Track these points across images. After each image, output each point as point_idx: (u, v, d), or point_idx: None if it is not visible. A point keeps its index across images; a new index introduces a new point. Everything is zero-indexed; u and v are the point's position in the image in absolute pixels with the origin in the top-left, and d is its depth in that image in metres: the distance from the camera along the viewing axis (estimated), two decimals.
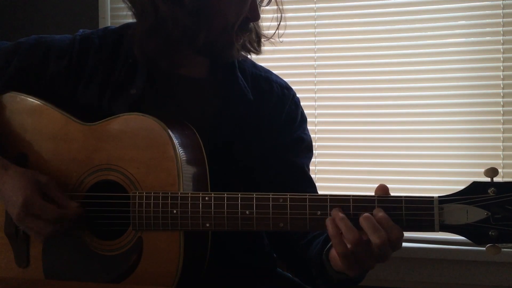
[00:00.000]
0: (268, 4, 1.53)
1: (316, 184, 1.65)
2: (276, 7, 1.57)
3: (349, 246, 1.21)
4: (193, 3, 1.41)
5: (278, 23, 1.58)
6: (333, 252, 1.29)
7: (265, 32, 1.59)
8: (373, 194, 1.26)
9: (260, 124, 1.57)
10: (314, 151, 1.78)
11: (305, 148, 1.64)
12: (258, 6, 1.50)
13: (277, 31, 1.59)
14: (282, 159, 1.58)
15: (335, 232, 1.23)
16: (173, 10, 1.42)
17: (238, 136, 1.53)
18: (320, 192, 1.60)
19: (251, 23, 1.52)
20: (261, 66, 1.69)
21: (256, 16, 1.49)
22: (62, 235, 1.40)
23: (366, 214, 1.22)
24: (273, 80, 1.65)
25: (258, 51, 1.59)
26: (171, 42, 1.47)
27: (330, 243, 1.31)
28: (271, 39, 1.60)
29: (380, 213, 1.22)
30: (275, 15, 1.58)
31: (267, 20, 1.57)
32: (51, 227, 1.36)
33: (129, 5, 1.51)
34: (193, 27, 1.44)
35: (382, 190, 1.26)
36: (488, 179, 1.18)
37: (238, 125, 1.54)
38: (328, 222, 1.24)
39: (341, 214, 1.23)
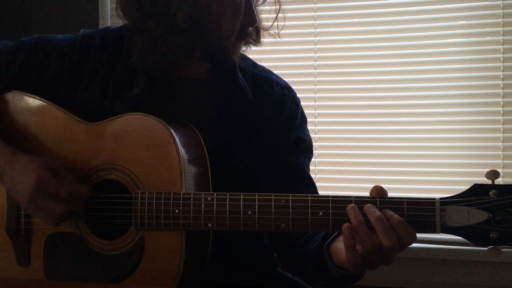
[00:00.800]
0: (263, 2, 1.53)
1: (316, 184, 1.65)
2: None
3: (360, 251, 1.21)
4: (185, 22, 1.41)
5: (276, 14, 1.57)
6: (335, 246, 1.29)
7: (264, 24, 1.58)
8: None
9: (260, 124, 1.57)
10: (314, 151, 1.78)
11: (305, 148, 1.64)
12: (255, 9, 1.49)
13: (275, 22, 1.58)
14: (282, 160, 1.58)
15: (350, 243, 1.21)
16: (165, 31, 1.42)
17: (238, 136, 1.54)
18: (320, 192, 1.61)
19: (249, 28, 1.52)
20: (261, 66, 1.69)
21: (253, 21, 1.48)
22: (63, 235, 1.41)
23: (379, 214, 1.21)
24: (274, 80, 1.65)
25: (257, 42, 1.58)
26: (168, 59, 1.47)
27: (332, 236, 1.31)
28: (270, 31, 1.59)
29: (395, 216, 1.21)
30: (274, 7, 1.57)
31: (265, 12, 1.57)
32: (63, 206, 1.36)
33: (124, 19, 1.52)
34: (187, 45, 1.44)
35: (378, 192, 1.26)
36: (489, 182, 1.19)
37: (238, 126, 1.54)
38: (346, 228, 1.22)
39: (361, 218, 1.21)
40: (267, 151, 1.57)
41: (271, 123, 1.58)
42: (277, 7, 1.57)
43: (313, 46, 2.62)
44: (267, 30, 1.59)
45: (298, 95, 1.68)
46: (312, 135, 1.69)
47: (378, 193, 1.25)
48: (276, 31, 1.59)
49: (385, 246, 1.19)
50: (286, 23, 1.59)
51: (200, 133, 1.44)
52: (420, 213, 1.21)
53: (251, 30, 1.53)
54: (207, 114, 1.54)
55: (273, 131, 1.58)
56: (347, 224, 1.22)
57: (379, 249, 1.21)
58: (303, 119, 1.66)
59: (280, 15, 1.57)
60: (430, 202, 1.21)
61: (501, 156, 2.40)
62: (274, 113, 1.60)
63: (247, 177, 1.52)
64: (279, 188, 1.46)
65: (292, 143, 1.61)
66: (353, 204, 1.24)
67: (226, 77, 1.57)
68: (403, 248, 1.23)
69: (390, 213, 1.21)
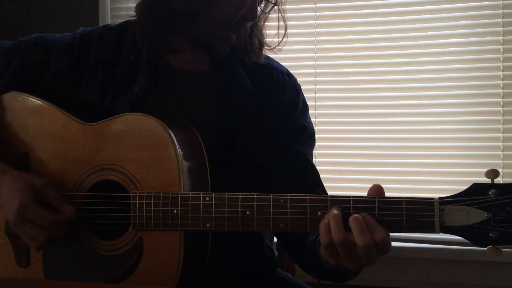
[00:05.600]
0: (269, 11, 1.53)
1: None
2: (279, 15, 1.56)
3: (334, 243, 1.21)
4: None
5: (283, 35, 1.58)
6: None
7: (268, 40, 1.59)
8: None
9: (261, 112, 1.56)
10: (314, 151, 1.78)
11: (307, 136, 1.62)
12: (257, 8, 1.49)
13: (280, 41, 1.58)
14: (285, 148, 1.57)
15: (325, 227, 1.22)
16: None
17: (239, 127, 1.53)
18: None
19: (250, 26, 1.52)
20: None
21: (253, 16, 1.47)
22: (59, 239, 1.40)
23: (357, 215, 1.20)
24: (274, 67, 1.63)
25: (259, 58, 1.58)
26: (171, 20, 1.45)
27: None
28: (273, 49, 1.60)
29: (366, 217, 1.21)
30: (278, 26, 1.57)
31: (270, 31, 1.58)
32: (45, 233, 1.36)
33: None
34: (194, 7, 1.42)
35: (377, 190, 1.26)
36: (489, 181, 1.18)
37: (238, 116, 1.54)
38: (324, 216, 1.23)
39: (335, 212, 1.22)
40: (269, 139, 1.55)
41: (272, 110, 1.57)
42: (282, 26, 1.57)
43: (313, 46, 2.62)
44: (272, 49, 1.59)
45: None
46: None
47: (377, 191, 1.25)
48: (279, 48, 1.60)
49: (359, 246, 1.18)
50: (287, 23, 1.58)
51: (201, 126, 1.43)
52: (419, 213, 1.21)
53: (246, 26, 1.52)
54: (207, 108, 1.54)
55: (274, 119, 1.57)
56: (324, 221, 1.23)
57: (350, 247, 1.20)
58: (305, 106, 1.65)
59: (283, 32, 1.58)
60: (429, 202, 1.20)
61: (501, 156, 2.40)
62: (275, 99, 1.59)
63: (248, 168, 1.51)
64: (282, 177, 1.46)
65: (294, 131, 1.59)
66: (336, 207, 1.24)
67: (224, 68, 1.57)
68: (383, 249, 1.21)
69: (364, 213, 1.21)
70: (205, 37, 1.48)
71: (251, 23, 1.51)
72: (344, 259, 1.22)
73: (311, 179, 1.57)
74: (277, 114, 1.58)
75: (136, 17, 1.50)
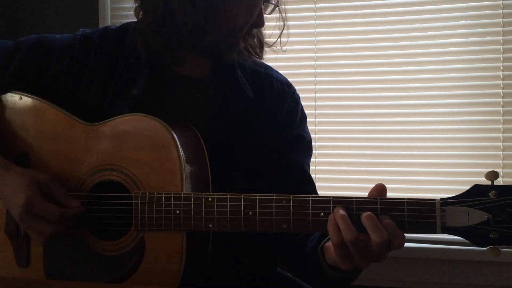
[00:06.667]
0: (271, 12, 1.53)
1: (316, 184, 1.65)
2: (278, 15, 1.56)
3: (346, 243, 1.22)
4: (204, 2, 1.41)
5: (280, 31, 1.58)
6: (329, 243, 1.29)
7: (267, 40, 1.60)
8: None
9: (260, 121, 1.57)
10: (314, 151, 1.78)
11: (305, 146, 1.64)
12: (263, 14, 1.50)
13: (279, 39, 1.59)
14: (282, 157, 1.58)
15: (334, 227, 1.23)
16: (184, 6, 1.42)
17: (238, 133, 1.53)
18: (320, 192, 1.61)
19: (254, 29, 1.53)
20: (261, 62, 1.67)
21: (261, 23, 1.49)
22: (63, 235, 1.40)
23: (369, 213, 1.22)
24: (274, 77, 1.65)
25: (260, 57, 1.60)
26: (178, 38, 1.47)
27: (327, 237, 1.31)
28: (273, 47, 1.60)
29: (386, 219, 1.22)
30: (278, 23, 1.58)
31: (269, 28, 1.58)
32: (52, 227, 1.36)
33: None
34: (202, 25, 1.43)
35: (379, 190, 1.26)
36: (489, 182, 1.19)
37: (237, 123, 1.54)
38: (330, 217, 1.24)
39: (341, 212, 1.23)
40: (267, 148, 1.56)
41: (271, 120, 1.58)
42: (282, 23, 1.57)
43: (313, 46, 2.62)
44: (270, 46, 1.60)
45: None
46: (312, 135, 1.69)
47: (380, 190, 1.26)
48: (279, 47, 1.60)
49: (375, 242, 1.20)
50: (287, 23, 1.59)
51: (200, 131, 1.44)
52: (421, 213, 1.22)
53: (254, 33, 1.53)
54: (207, 113, 1.54)
55: (273, 128, 1.58)
56: (331, 214, 1.24)
57: (364, 245, 1.21)
58: (303, 116, 1.67)
59: (284, 32, 1.58)
60: (430, 202, 1.22)
61: (501, 156, 2.39)
62: (274, 109, 1.60)
63: (247, 174, 1.52)
64: (279, 186, 1.46)
65: (292, 141, 1.61)
66: (339, 206, 1.25)
67: (226, 75, 1.57)
68: (394, 248, 1.23)
69: (383, 216, 1.23)
70: (213, 47, 1.49)
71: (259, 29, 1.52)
72: (357, 257, 1.23)
73: (307, 189, 1.58)
74: (276, 123, 1.59)
75: (137, 31, 1.51)
